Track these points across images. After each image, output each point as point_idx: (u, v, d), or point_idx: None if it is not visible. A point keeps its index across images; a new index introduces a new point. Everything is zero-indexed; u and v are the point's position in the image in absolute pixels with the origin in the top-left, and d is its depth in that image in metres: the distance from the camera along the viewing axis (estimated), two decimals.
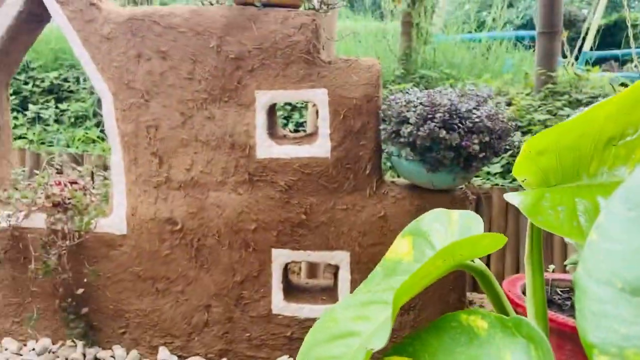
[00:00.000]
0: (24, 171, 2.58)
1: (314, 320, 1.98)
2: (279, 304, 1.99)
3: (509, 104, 3.19)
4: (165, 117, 1.91)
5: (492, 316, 0.63)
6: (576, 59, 5.10)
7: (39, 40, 2.89)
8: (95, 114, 3.41)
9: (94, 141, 3.31)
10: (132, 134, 1.92)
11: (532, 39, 4.20)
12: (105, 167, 3.11)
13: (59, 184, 1.99)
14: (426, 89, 3.37)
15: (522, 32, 6.96)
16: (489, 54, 4.25)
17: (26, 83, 3.56)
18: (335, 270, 2.05)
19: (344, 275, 1.96)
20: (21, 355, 2.03)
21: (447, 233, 0.74)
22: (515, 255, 2.76)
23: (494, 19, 5.19)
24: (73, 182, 2.06)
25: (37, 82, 3.53)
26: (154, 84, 1.89)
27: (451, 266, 0.72)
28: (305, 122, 3.28)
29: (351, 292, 1.96)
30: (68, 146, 3.22)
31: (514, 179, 2.90)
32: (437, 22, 3.66)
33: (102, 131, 3.38)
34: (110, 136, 1.94)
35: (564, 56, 4.17)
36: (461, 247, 0.67)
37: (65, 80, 3.53)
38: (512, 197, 0.77)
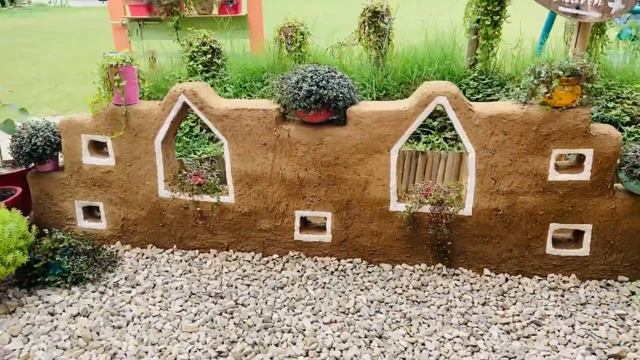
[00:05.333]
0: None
1: (568, 257, 3.94)
2: (549, 249, 3.95)
3: None
4: (501, 161, 3.77)
5: None
6: None
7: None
8: None
9: None
10: (482, 169, 3.82)
11: None
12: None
13: (441, 191, 3.96)
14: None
15: None
16: None
17: None
18: (580, 233, 3.96)
19: (587, 235, 3.87)
20: (411, 268, 4.15)
21: None
22: None
23: None
24: (441, 190, 4.02)
25: None
26: (497, 146, 3.73)
27: None
28: None
29: (590, 245, 3.88)
30: None
31: None
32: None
33: None
34: (470, 171, 3.84)
35: None
36: None
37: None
38: None
